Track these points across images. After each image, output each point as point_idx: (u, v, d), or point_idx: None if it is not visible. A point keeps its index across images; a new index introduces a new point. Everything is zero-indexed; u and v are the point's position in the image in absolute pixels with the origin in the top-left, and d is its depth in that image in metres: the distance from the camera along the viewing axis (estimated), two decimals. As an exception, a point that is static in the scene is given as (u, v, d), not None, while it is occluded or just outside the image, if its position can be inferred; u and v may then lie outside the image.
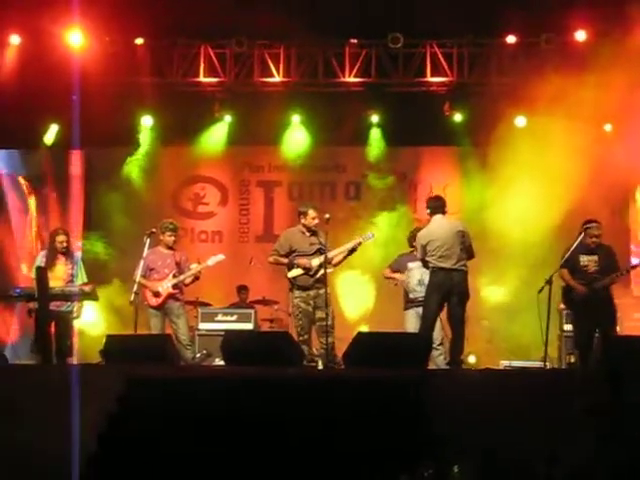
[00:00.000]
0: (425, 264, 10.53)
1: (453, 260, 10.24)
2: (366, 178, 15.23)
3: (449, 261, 10.24)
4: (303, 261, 10.68)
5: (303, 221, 10.84)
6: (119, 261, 13.96)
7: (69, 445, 7.63)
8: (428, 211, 10.69)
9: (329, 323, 10.50)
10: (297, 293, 10.72)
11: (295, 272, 10.74)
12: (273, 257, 10.96)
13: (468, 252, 10.43)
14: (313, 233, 10.81)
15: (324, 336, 10.46)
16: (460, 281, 10.27)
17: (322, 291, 10.52)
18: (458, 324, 10.32)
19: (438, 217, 10.56)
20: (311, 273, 10.66)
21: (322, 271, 10.56)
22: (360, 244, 10.92)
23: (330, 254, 10.71)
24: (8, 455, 7.88)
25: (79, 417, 7.81)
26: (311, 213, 10.80)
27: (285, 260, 10.80)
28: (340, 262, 11.03)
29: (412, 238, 11.27)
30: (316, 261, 10.65)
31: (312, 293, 10.65)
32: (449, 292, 10.24)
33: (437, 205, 10.65)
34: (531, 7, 13.17)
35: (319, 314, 10.55)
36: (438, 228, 10.47)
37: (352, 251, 10.92)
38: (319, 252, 10.70)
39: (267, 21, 13.49)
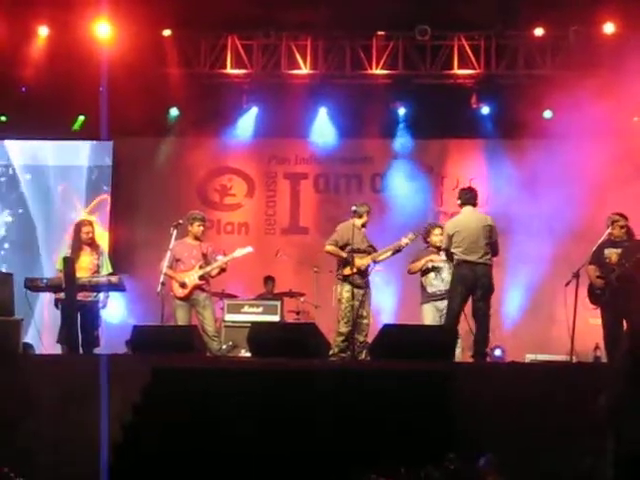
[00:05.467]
0: (449, 255, 10.51)
1: (478, 254, 10.16)
2: (393, 170, 15.18)
3: (474, 255, 10.16)
4: (360, 262, 10.88)
5: (357, 221, 11.04)
6: (145, 251, 13.95)
7: (97, 435, 7.67)
8: (459, 202, 10.64)
9: (367, 322, 10.92)
10: (347, 287, 10.91)
11: (348, 270, 10.91)
12: (332, 247, 11.09)
13: (493, 248, 10.36)
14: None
15: (360, 333, 10.75)
16: (484, 274, 10.16)
17: (368, 289, 10.99)
18: (483, 318, 10.20)
19: (468, 209, 10.51)
20: (364, 274, 10.92)
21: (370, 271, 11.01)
22: (406, 244, 11.07)
23: (375, 255, 11.01)
24: (38, 446, 7.93)
25: (107, 407, 7.85)
26: (365, 217, 11.06)
27: (344, 255, 10.96)
28: (384, 260, 11.26)
29: (426, 234, 11.26)
30: (366, 262, 10.90)
31: (361, 291, 10.85)
32: (473, 285, 10.15)
33: (469, 197, 10.57)
34: (559, -1, 13.12)
35: (361, 311, 10.82)
36: (466, 220, 10.40)
37: (397, 251, 11.13)
38: (370, 251, 11.03)
39: (294, 13, 13.50)
